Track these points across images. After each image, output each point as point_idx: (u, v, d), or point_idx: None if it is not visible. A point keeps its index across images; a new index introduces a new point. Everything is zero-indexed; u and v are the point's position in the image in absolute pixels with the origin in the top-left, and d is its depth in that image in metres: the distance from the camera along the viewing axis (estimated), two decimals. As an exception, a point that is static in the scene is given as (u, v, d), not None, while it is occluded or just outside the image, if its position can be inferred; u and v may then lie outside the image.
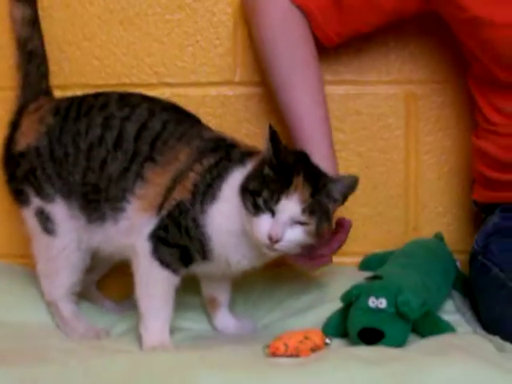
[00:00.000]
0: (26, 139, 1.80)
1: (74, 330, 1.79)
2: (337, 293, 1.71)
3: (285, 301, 1.90)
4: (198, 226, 1.62)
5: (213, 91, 2.06)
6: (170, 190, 1.66)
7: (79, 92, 1.90)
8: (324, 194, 1.56)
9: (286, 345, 1.52)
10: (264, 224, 1.52)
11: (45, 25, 1.99)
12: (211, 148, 1.69)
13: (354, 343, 1.59)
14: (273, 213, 1.52)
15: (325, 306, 1.79)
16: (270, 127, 1.55)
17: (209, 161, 1.66)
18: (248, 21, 1.98)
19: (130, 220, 1.69)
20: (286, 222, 1.52)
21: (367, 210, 2.08)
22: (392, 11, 1.86)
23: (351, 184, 1.59)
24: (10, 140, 1.85)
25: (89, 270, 1.84)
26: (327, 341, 1.56)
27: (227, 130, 1.76)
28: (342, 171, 1.94)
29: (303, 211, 1.52)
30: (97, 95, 1.81)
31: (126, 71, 2.07)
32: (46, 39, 1.98)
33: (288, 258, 1.70)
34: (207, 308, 1.89)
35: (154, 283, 1.66)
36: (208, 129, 1.79)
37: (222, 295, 1.86)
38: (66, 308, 1.81)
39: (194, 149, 1.69)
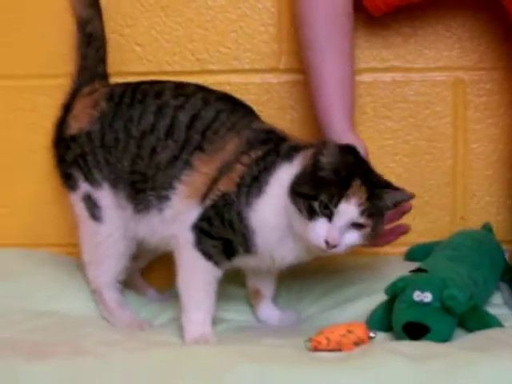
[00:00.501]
0: (78, 123, 1.80)
1: (118, 319, 1.80)
2: (381, 284, 1.68)
3: (328, 293, 1.89)
4: (242, 219, 1.60)
5: (257, 78, 2.04)
6: (215, 181, 1.64)
7: (121, 80, 1.90)
8: (380, 198, 1.54)
9: (328, 339, 1.51)
10: (321, 229, 1.50)
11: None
12: (261, 140, 1.67)
13: (398, 338, 1.58)
14: (330, 217, 1.50)
15: (369, 298, 1.77)
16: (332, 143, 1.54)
17: (257, 153, 1.64)
18: None
19: (174, 209, 1.68)
20: (344, 227, 1.50)
21: (414, 199, 2.02)
22: None
23: (405, 198, 1.60)
24: (62, 122, 1.85)
25: (134, 257, 1.84)
26: (371, 334, 1.54)
27: (271, 118, 1.76)
28: (390, 159, 2.01)
29: (361, 213, 1.50)
30: (152, 83, 1.80)
31: (168, 58, 2.05)
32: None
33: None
34: (251, 299, 1.88)
35: (197, 275, 1.65)
36: (259, 120, 1.78)
37: (267, 287, 1.85)
38: (111, 296, 1.82)
39: (243, 139, 1.67)
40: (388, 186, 1.57)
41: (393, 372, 1.36)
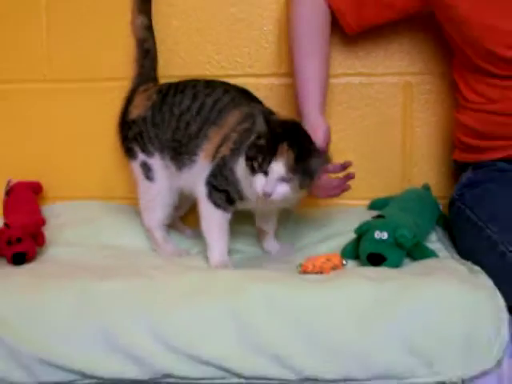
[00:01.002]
0: (137, 110, 1.73)
1: (164, 250, 1.73)
2: (351, 226, 1.60)
3: (315, 231, 1.79)
4: (232, 172, 1.53)
5: (264, 80, 1.95)
6: (219, 147, 1.58)
7: (171, 80, 1.79)
8: (303, 161, 1.40)
9: (313, 264, 1.46)
10: (259, 182, 1.41)
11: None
12: (253, 114, 1.54)
13: (363, 265, 1.50)
14: (266, 173, 1.39)
15: (343, 236, 1.67)
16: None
17: (246, 125, 1.55)
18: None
19: (198, 168, 1.62)
20: (275, 181, 1.39)
21: (374, 165, 1.98)
22: (402, 9, 1.73)
23: (326, 160, 1.48)
24: (125, 111, 1.77)
25: (175, 208, 1.78)
26: (344, 262, 1.48)
27: (274, 108, 1.65)
28: (358, 138, 1.94)
29: (287, 171, 1.38)
30: (190, 80, 1.72)
31: (202, 66, 1.96)
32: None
33: (312, 194, 1.62)
34: (258, 236, 1.80)
35: (212, 220, 1.59)
36: (262, 105, 1.69)
37: (269, 226, 1.76)
38: (159, 234, 1.75)
39: (242, 113, 1.59)
40: (315, 153, 1.43)
41: (360, 290, 1.31)
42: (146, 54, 1.84)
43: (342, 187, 1.65)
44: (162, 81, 1.82)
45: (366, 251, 1.48)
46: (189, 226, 1.90)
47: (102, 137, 1.93)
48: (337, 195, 1.67)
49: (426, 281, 1.32)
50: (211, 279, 1.39)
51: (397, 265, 1.47)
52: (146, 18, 1.84)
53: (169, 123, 1.67)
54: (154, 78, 1.84)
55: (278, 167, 1.38)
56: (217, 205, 1.57)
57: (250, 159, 1.42)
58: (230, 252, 1.61)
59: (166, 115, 1.68)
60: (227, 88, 1.66)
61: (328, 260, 1.46)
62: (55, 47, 2.01)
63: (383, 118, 1.95)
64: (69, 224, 1.85)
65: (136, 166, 1.74)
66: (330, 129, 1.64)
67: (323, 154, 1.46)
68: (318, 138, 1.54)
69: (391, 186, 1.95)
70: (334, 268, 1.45)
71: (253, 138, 1.44)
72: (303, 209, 1.85)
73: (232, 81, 1.79)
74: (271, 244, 1.78)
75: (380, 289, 1.29)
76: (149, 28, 1.85)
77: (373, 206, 1.90)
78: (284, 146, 1.38)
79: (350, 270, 1.45)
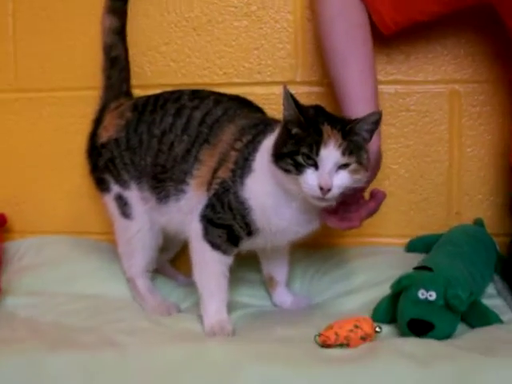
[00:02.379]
0: (107, 133, 1.47)
1: (149, 304, 1.44)
2: (385, 275, 1.35)
3: (337, 281, 1.47)
4: (238, 198, 1.26)
5: (276, 90, 1.63)
6: (216, 170, 1.31)
7: (158, 90, 1.51)
8: (353, 133, 1.17)
9: (336, 334, 1.14)
10: (312, 178, 1.15)
11: (129, 32, 1.61)
12: (253, 124, 1.33)
13: (402, 333, 1.18)
14: (315, 166, 1.15)
15: (374, 288, 1.37)
16: (285, 88, 1.19)
17: (247, 137, 1.30)
18: (312, 10, 1.58)
19: (188, 199, 1.35)
20: (332, 169, 1.15)
21: (414, 196, 1.64)
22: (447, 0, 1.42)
23: (374, 120, 1.20)
24: (94, 135, 1.51)
25: (162, 249, 1.50)
26: (377, 329, 1.16)
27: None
28: (393, 162, 1.62)
29: (343, 153, 1.15)
30: (172, 92, 1.46)
31: (199, 72, 1.66)
32: (131, 45, 1.61)
33: (321, 216, 1.26)
34: (266, 285, 1.49)
35: (208, 265, 1.30)
36: (260, 113, 1.45)
37: (280, 274, 1.46)
38: (142, 284, 1.47)
39: (238, 127, 1.33)
40: (354, 120, 1.20)
41: (399, 377, 0.99)
42: (113, 62, 1.57)
43: (370, 210, 1.29)
44: (150, 91, 1.54)
45: (408, 316, 1.16)
46: (181, 270, 1.61)
47: (76, 157, 1.60)
48: (358, 225, 1.29)
49: (491, 364, 1.00)
50: (199, 356, 1.09)
51: (448, 335, 1.15)
52: (116, 19, 1.58)
53: (148, 146, 1.40)
54: (126, 92, 1.57)
55: (330, 152, 1.15)
56: (215, 246, 1.29)
57: (289, 156, 1.17)
58: (231, 306, 1.33)
59: (144, 136, 1.42)
60: (218, 98, 1.41)
61: (356, 327, 1.14)
62: (22, 54, 1.75)
63: (425, 137, 1.63)
64: (31, 267, 1.57)
65: (109, 201, 1.47)
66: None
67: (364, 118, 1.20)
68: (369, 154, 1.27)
69: (435, 221, 1.63)
70: (364, 338, 1.14)
71: (276, 132, 1.23)
72: (322, 250, 1.55)
73: (238, 90, 1.55)
74: (282, 296, 1.46)
75: (427, 376, 0.98)
76: (119, 31, 1.58)
77: (412, 246, 1.57)
78: (327, 126, 1.16)
79: (386, 342, 1.12)
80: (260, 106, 1.51)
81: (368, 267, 1.49)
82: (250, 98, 1.57)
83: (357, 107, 1.32)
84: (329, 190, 1.14)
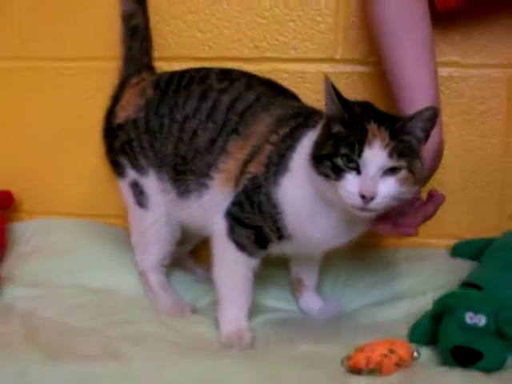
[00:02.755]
0: (125, 112, 1.32)
1: (161, 302, 1.32)
2: (430, 284, 1.25)
3: (374, 287, 1.33)
4: (270, 200, 1.12)
5: (312, 68, 1.46)
6: (246, 163, 1.17)
7: (183, 64, 1.38)
8: (404, 132, 1.01)
9: (367, 358, 0.99)
10: (352, 184, 0.99)
11: (151, -1, 1.45)
12: (290, 115, 1.17)
13: (445, 360, 1.02)
14: (358, 170, 0.99)
15: (413, 300, 1.23)
16: (327, 80, 1.03)
17: (285, 130, 1.15)
18: None
19: (212, 195, 1.21)
20: (376, 174, 0.99)
21: (463, 194, 1.47)
22: None
23: (430, 116, 1.02)
24: (111, 113, 1.36)
25: (181, 241, 1.36)
26: (415, 354, 1.01)
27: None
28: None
29: (390, 155, 0.98)
30: (198, 69, 1.30)
31: (228, 45, 1.49)
32: (152, 13, 1.45)
33: (371, 222, 1.11)
34: (294, 288, 1.34)
35: (231, 266, 1.18)
36: (298, 101, 1.28)
37: (309, 277, 1.32)
38: (155, 280, 1.34)
39: (273, 118, 1.18)
40: (406, 117, 1.03)
41: None
42: (134, 32, 1.42)
43: (427, 214, 1.11)
44: (175, 64, 1.42)
45: (452, 342, 1.00)
46: (201, 263, 1.48)
47: (91, 134, 1.43)
48: (414, 233, 1.10)
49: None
50: (207, 378, 0.96)
51: (498, 366, 0.99)
52: None
53: (169, 132, 1.26)
54: (147, 66, 1.42)
55: (375, 153, 0.99)
56: (241, 246, 1.16)
57: (328, 158, 1.02)
58: (253, 309, 1.21)
59: (166, 120, 1.27)
60: (250, 81, 1.25)
61: (391, 352, 0.99)
62: (27, 22, 1.60)
63: (478, 127, 1.46)
64: (36, 253, 1.45)
65: (125, 187, 1.34)
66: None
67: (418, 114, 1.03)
68: (427, 151, 1.10)
69: (485, 224, 1.46)
70: (399, 364, 0.99)
71: (317, 131, 1.08)
72: (357, 252, 1.37)
73: (270, 66, 1.45)
74: (311, 301, 1.32)
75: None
76: None
77: (458, 250, 1.41)
78: (373, 125, 1.00)
79: (424, 372, 0.98)
80: (295, 84, 1.39)
81: (408, 273, 1.34)
82: (284, 75, 1.46)
83: (412, 97, 1.15)
84: (372, 198, 0.98)
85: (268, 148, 1.14)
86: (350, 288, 1.35)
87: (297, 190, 1.10)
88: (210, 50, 1.50)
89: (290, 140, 1.13)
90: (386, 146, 0.98)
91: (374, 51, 1.36)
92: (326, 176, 1.02)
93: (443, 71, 1.41)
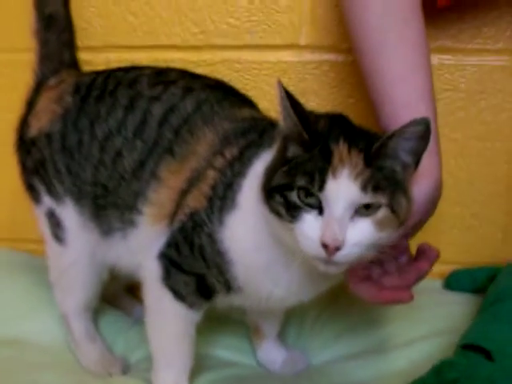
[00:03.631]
0: (39, 122, 1.06)
1: (85, 354, 1.09)
2: (418, 330, 1.01)
3: (346, 335, 1.08)
4: (214, 244, 0.89)
5: (271, 56, 1.21)
6: (184, 194, 0.93)
7: (112, 54, 1.19)
8: (384, 156, 0.77)
9: None
10: (311, 228, 0.76)
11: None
12: (241, 131, 0.94)
13: None
14: (319, 208, 0.76)
15: (399, 351, 1.00)
16: (279, 85, 0.79)
17: (232, 151, 0.92)
18: None
19: (140, 236, 0.97)
20: (344, 215, 0.76)
21: (460, 209, 1.22)
22: None
23: (420, 133, 0.77)
24: (24, 122, 1.09)
25: (114, 276, 1.10)
26: None
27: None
28: None
29: (364, 188, 0.75)
30: (128, 69, 1.06)
31: (167, 30, 1.22)
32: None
33: (348, 285, 0.87)
34: (251, 337, 1.10)
35: (166, 320, 0.95)
36: (255, 110, 1.03)
37: (269, 325, 1.08)
38: (78, 327, 1.10)
39: (218, 134, 0.94)
40: (386, 135, 0.78)
41: None
42: (49, 22, 1.14)
43: (420, 273, 0.87)
44: (100, 56, 1.20)
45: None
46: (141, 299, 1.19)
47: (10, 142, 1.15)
48: (408, 298, 0.85)
49: None
50: None
51: None
52: None
53: (88, 151, 1.01)
54: (69, 63, 1.15)
55: (342, 186, 0.76)
56: (179, 295, 0.93)
57: (280, 191, 0.79)
58: (199, 363, 1.00)
59: (85, 136, 1.02)
60: (190, 84, 1.01)
61: None
62: None
63: (478, 128, 1.20)
64: None
65: (41, 215, 1.08)
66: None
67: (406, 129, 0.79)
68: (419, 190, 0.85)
69: (487, 245, 1.22)
70: None
71: (273, 152, 0.84)
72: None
73: (220, 55, 1.21)
74: (272, 352, 1.08)
75: None
76: None
77: (454, 281, 1.17)
78: (342, 146, 0.77)
79: None
80: (249, 78, 1.18)
81: (390, 316, 1.09)
82: (236, 66, 1.24)
83: (399, 113, 0.89)
84: (337, 248, 0.75)
85: (211, 175, 0.91)
86: (318, 335, 1.11)
87: (248, 232, 0.87)
88: (144, 36, 1.23)
89: (239, 165, 0.90)
90: (357, 176, 0.75)
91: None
92: (279, 215, 0.79)
93: (432, 59, 1.08)
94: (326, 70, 1.21)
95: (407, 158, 0.78)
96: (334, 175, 0.75)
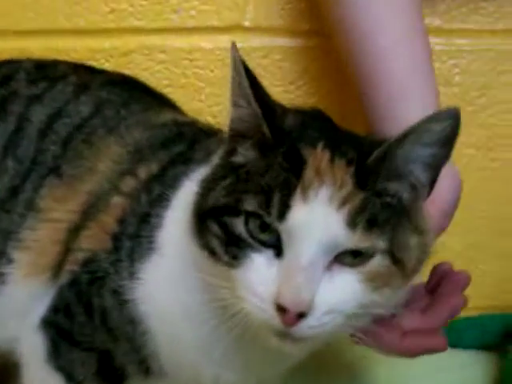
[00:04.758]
0: None
1: None
2: None
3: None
4: (123, 305, 0.65)
5: (207, 42, 0.98)
6: (76, 231, 0.69)
7: None
8: (388, 173, 0.56)
9: None
10: (261, 278, 0.55)
11: None
12: (161, 140, 0.72)
13: None
14: (277, 247, 0.55)
15: None
16: (234, 52, 0.59)
17: (149, 169, 0.69)
18: None
19: (11, 293, 0.72)
20: (317, 261, 0.53)
21: (464, 233, 1.00)
22: None
23: (447, 133, 0.55)
24: None
25: None
26: None
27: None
28: None
29: (351, 222, 0.53)
30: (2, 63, 0.84)
31: (68, 9, 0.97)
32: None
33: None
34: None
35: None
36: (177, 113, 0.82)
37: None
38: None
39: (127, 146, 0.72)
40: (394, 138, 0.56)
41: None
42: None
43: (454, 308, 0.66)
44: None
45: None
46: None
47: None
48: (443, 346, 0.66)
49: None
50: None
51: None
52: None
53: None
54: None
55: (316, 213, 0.54)
56: (73, 381, 0.69)
57: (217, 216, 0.58)
58: None
59: None
60: (86, 79, 0.80)
61: None
62: None
63: (477, 132, 0.99)
64: None
65: None
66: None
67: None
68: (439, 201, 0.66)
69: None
70: None
71: (219, 155, 0.63)
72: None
73: (136, 41, 0.97)
74: None
75: None
76: None
77: (453, 336, 0.91)
78: (321, 152, 0.57)
79: None
80: (177, 70, 0.95)
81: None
82: (159, 56, 0.98)
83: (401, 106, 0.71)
84: (301, 315, 0.52)
85: (118, 203, 0.69)
86: None
87: (174, 288, 0.65)
88: (39, 18, 0.98)
89: (159, 187, 0.68)
90: (343, 202, 0.53)
91: (309, 14, 0.92)
92: (213, 253, 0.58)
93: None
94: (279, 59, 0.98)
95: (422, 175, 0.57)
96: (305, 196, 0.52)
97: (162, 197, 0.67)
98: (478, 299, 0.96)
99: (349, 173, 0.55)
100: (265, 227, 0.55)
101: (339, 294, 0.53)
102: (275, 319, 0.53)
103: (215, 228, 0.57)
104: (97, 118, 0.75)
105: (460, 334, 0.93)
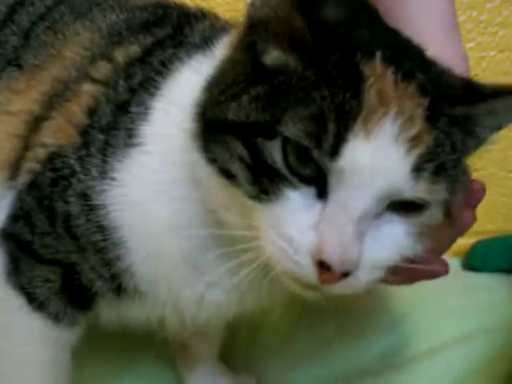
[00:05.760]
0: None
1: None
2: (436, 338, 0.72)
3: (312, 355, 0.77)
4: (92, 210, 0.55)
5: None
6: (37, 124, 0.59)
7: None
8: (475, 119, 0.48)
9: None
10: (298, 223, 0.45)
11: None
12: (143, 22, 0.62)
13: None
14: (321, 186, 0.45)
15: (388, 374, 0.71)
16: None
17: (129, 51, 0.58)
18: None
19: None
20: (369, 211, 0.45)
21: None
22: None
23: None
24: None
25: None
26: None
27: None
28: None
29: (417, 170, 0.45)
30: None
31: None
32: None
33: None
34: (177, 362, 0.78)
35: (16, 343, 0.60)
36: None
37: (204, 343, 0.76)
38: None
39: (102, 31, 0.62)
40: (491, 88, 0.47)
41: None
42: None
43: (460, 228, 0.56)
44: None
45: None
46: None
47: None
48: (440, 270, 0.55)
49: None
50: None
51: None
52: None
53: None
54: None
55: (379, 154, 0.44)
56: (35, 301, 0.59)
57: (240, 132, 0.47)
58: None
59: None
60: None
61: None
62: None
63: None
64: None
65: None
66: None
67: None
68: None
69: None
70: None
71: (229, 46, 0.53)
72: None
73: None
74: (209, 379, 0.76)
75: None
76: None
77: (477, 258, 0.88)
78: (381, 69, 0.46)
79: None
80: None
81: (375, 328, 0.79)
82: None
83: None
84: (345, 273, 0.45)
85: (89, 91, 0.58)
86: (271, 359, 0.80)
87: (157, 193, 0.55)
88: None
89: (141, 73, 0.57)
90: (413, 141, 0.44)
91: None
92: (232, 179, 0.48)
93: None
94: None
95: (487, 134, 0.50)
96: (367, 130, 0.42)
97: (147, 83, 0.56)
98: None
99: (421, 104, 0.45)
100: (306, 158, 0.45)
101: (386, 248, 0.46)
102: (311, 276, 0.44)
103: (239, 149, 0.46)
104: (63, 4, 0.67)
105: (484, 258, 0.87)
